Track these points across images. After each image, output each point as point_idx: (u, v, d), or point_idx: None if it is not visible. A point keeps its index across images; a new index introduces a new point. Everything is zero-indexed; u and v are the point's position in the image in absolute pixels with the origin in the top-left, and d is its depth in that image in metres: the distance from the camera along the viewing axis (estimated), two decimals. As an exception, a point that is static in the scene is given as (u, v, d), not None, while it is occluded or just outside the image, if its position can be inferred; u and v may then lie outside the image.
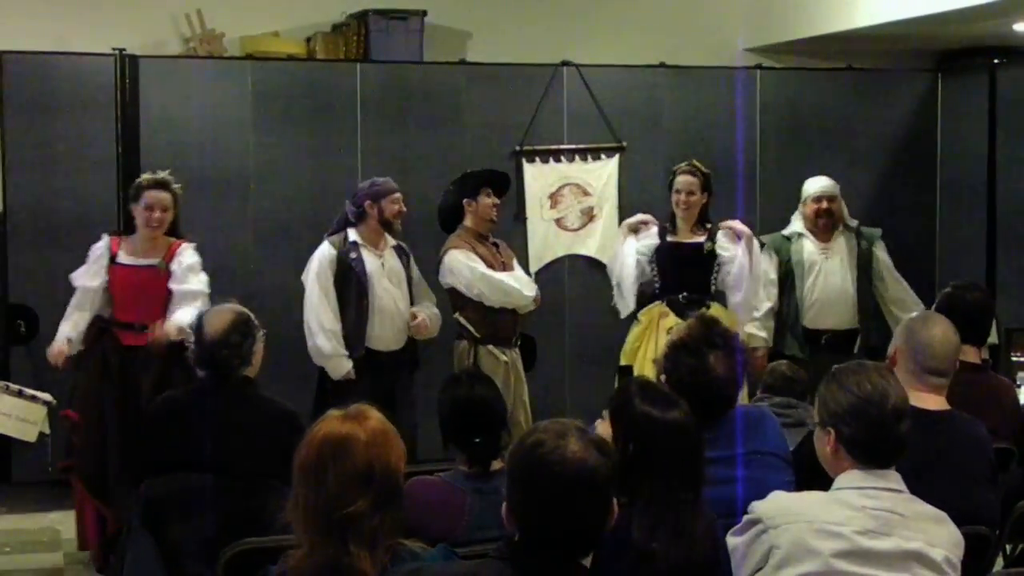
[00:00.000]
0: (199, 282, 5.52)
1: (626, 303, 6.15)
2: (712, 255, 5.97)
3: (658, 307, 5.96)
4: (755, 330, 6.13)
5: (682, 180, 5.96)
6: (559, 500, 2.22)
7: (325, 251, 5.61)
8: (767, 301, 6.18)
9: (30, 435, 5.61)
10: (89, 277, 5.42)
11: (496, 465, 3.28)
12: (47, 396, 5.66)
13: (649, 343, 5.84)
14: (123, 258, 5.44)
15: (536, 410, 5.98)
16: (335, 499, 2.47)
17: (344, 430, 2.54)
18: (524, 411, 5.90)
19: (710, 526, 2.82)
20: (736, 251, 5.96)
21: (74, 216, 6.40)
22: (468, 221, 5.80)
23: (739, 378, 3.39)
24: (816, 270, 6.18)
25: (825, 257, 6.21)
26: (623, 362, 5.97)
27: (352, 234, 5.64)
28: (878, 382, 2.70)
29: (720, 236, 6.00)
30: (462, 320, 5.80)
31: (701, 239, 5.99)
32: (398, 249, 5.78)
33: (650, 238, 6.07)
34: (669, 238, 6.02)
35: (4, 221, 6.57)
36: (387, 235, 5.72)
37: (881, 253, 6.36)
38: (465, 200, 5.81)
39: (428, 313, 5.75)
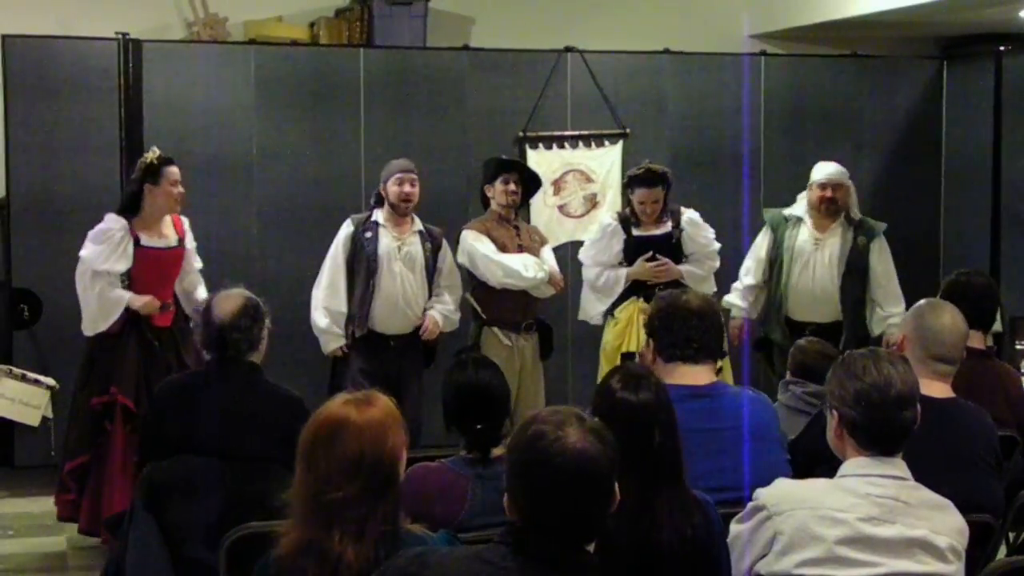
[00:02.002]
0: (199, 260, 5.71)
1: (596, 310, 6.15)
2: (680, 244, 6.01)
3: (634, 303, 5.93)
4: (734, 299, 6.16)
5: (643, 193, 5.91)
6: (561, 491, 2.21)
7: (344, 229, 5.75)
8: (749, 276, 6.14)
9: (33, 419, 5.63)
10: (115, 261, 5.31)
11: (497, 451, 3.28)
12: (50, 380, 5.68)
13: (631, 341, 5.80)
14: (146, 240, 5.40)
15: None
16: (323, 482, 2.48)
17: (341, 414, 2.54)
18: (525, 398, 5.84)
19: (699, 505, 2.84)
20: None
21: (77, 200, 6.39)
22: (492, 204, 5.92)
23: (719, 326, 3.48)
24: (805, 261, 6.02)
25: (816, 249, 6.01)
26: (603, 363, 5.96)
27: (377, 214, 5.75)
28: (885, 369, 2.69)
29: (686, 227, 6.00)
30: (471, 300, 5.90)
31: (668, 228, 5.99)
32: (424, 234, 5.80)
33: (605, 239, 6.03)
34: (636, 232, 5.99)
35: (7, 205, 6.58)
36: (414, 218, 5.77)
37: (877, 251, 6.05)
38: (485, 185, 5.95)
39: (440, 310, 5.79)
